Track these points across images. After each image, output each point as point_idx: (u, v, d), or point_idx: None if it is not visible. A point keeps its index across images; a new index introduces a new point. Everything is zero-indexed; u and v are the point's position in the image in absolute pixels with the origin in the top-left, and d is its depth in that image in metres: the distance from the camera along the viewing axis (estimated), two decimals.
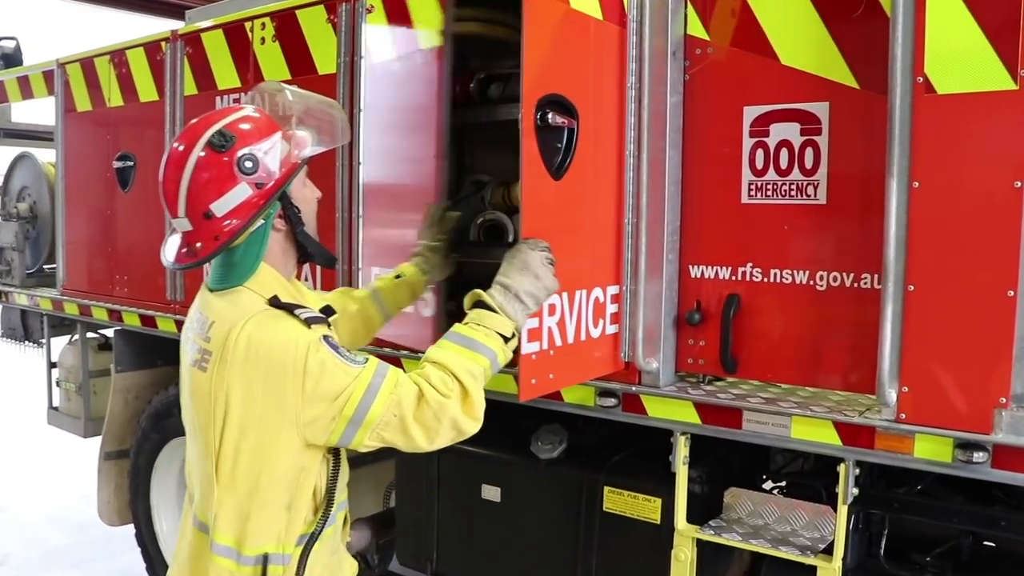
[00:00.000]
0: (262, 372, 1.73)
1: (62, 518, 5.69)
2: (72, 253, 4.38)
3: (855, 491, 2.10)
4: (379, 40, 2.80)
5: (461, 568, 2.93)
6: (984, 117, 1.84)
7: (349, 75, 2.89)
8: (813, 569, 2.16)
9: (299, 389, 1.72)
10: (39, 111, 5.18)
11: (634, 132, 2.27)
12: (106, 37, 4.36)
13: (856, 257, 2.08)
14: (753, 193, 2.22)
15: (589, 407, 2.45)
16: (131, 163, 3.92)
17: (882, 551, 2.23)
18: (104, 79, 4.06)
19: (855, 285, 2.09)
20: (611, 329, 2.30)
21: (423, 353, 1.89)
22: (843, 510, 2.11)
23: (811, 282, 2.15)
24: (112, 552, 5.06)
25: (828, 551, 2.16)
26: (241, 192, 1.78)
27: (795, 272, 2.17)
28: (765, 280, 2.22)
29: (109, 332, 4.50)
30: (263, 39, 3.22)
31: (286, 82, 2.08)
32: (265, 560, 1.81)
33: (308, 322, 1.77)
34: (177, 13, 6.79)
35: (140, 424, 4.18)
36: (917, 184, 1.90)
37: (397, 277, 2.41)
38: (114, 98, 4.01)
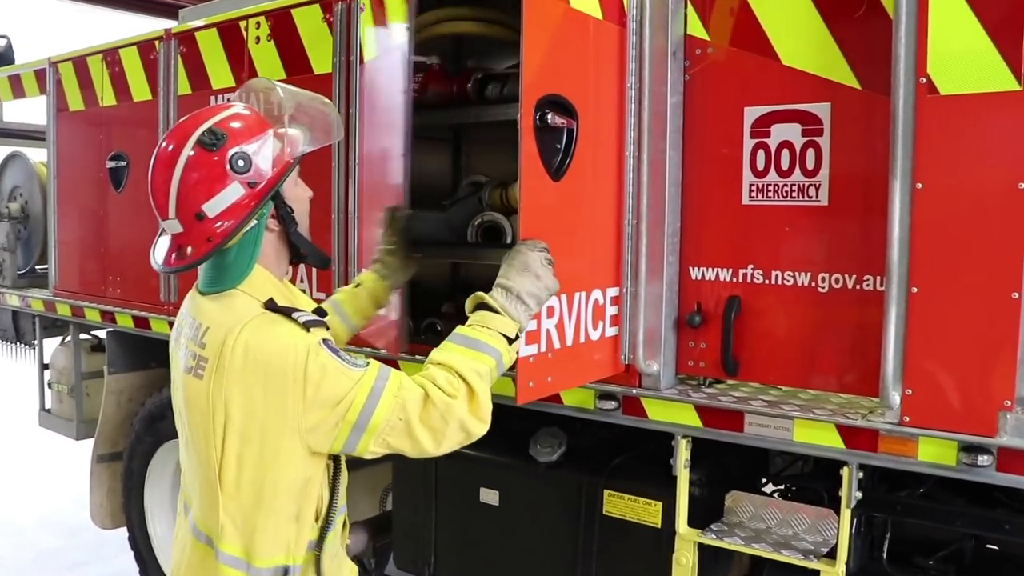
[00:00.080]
0: (261, 379, 1.69)
1: (54, 521, 5.64)
2: (64, 253, 4.35)
3: (858, 495, 2.08)
4: (367, 39, 2.78)
5: (459, 573, 2.90)
6: (987, 118, 1.83)
7: (345, 75, 2.86)
8: (815, 573, 2.15)
9: (300, 395, 1.68)
10: (31, 110, 5.14)
11: (634, 133, 2.26)
12: (99, 36, 4.32)
13: (858, 259, 2.07)
14: (754, 194, 2.21)
15: (589, 410, 2.44)
16: (124, 163, 3.89)
17: (885, 555, 2.22)
18: (97, 78, 4.03)
19: (857, 287, 2.08)
20: (611, 331, 2.28)
21: (424, 357, 1.86)
22: (846, 514, 2.10)
23: (813, 284, 2.14)
24: (105, 555, 5.02)
25: (831, 555, 2.15)
26: (233, 192, 1.73)
27: (796, 274, 2.16)
28: (766, 282, 2.21)
29: (102, 333, 4.45)
30: (258, 38, 3.20)
31: (280, 81, 2.05)
32: (285, 574, 1.78)
33: (306, 325, 1.73)
34: (171, 13, 6.76)
35: (133, 426, 4.15)
36: (920, 185, 1.89)
37: (357, 286, 2.38)
38: (107, 97, 3.98)
